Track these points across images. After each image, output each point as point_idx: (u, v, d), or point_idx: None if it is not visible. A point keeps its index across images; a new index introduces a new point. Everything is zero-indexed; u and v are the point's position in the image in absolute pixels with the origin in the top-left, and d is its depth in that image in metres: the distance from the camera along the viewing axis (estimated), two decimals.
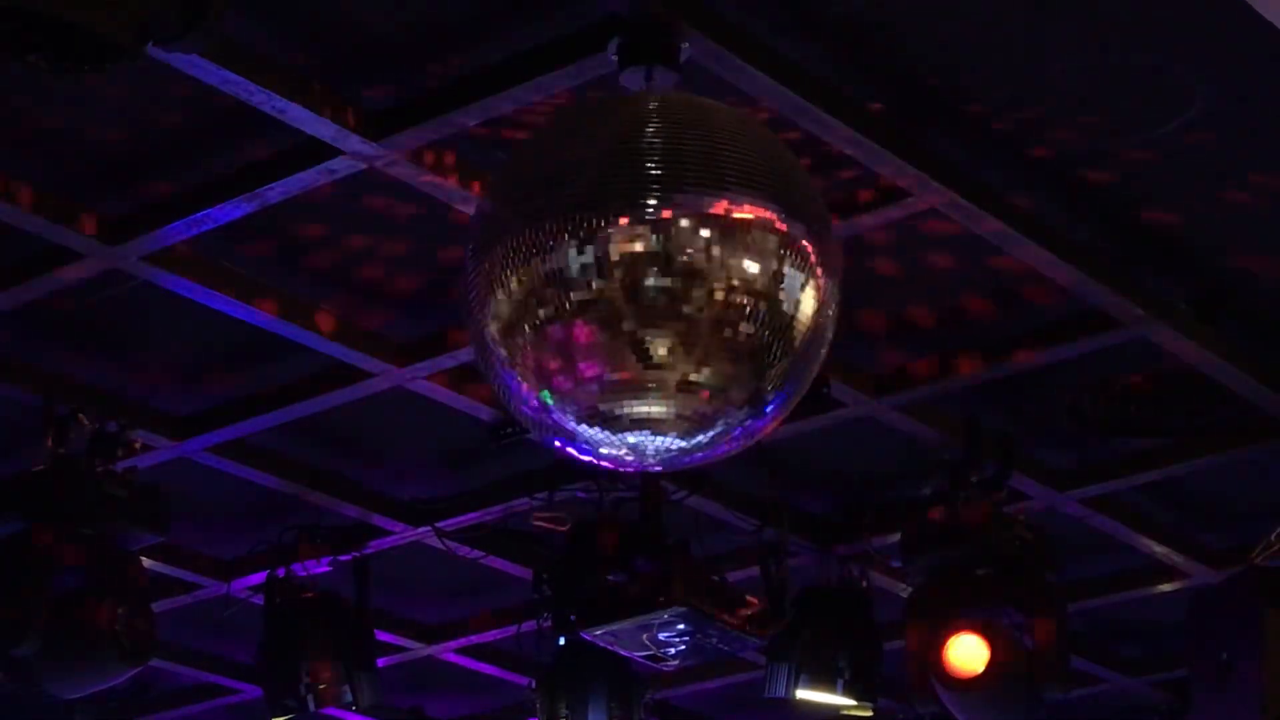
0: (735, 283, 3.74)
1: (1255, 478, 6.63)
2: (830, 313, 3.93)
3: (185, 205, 5.09)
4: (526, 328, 3.80)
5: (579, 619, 5.97)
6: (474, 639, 7.76)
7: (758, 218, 3.76)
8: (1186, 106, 4.75)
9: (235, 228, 5.16)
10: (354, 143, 4.76)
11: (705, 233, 3.73)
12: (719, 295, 3.73)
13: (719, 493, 6.57)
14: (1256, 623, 5.91)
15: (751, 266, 3.75)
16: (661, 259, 3.71)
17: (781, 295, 3.79)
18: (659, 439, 3.88)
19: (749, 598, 5.98)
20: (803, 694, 6.61)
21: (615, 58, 4.22)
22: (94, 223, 5.17)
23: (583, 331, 3.75)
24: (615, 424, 3.84)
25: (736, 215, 3.75)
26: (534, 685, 6.65)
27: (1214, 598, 6.25)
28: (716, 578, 5.97)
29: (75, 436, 5.81)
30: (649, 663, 6.05)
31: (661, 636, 5.85)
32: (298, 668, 6.64)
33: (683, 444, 3.90)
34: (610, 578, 5.85)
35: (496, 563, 7.00)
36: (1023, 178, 5.08)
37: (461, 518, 6.77)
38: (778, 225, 3.78)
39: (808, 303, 3.84)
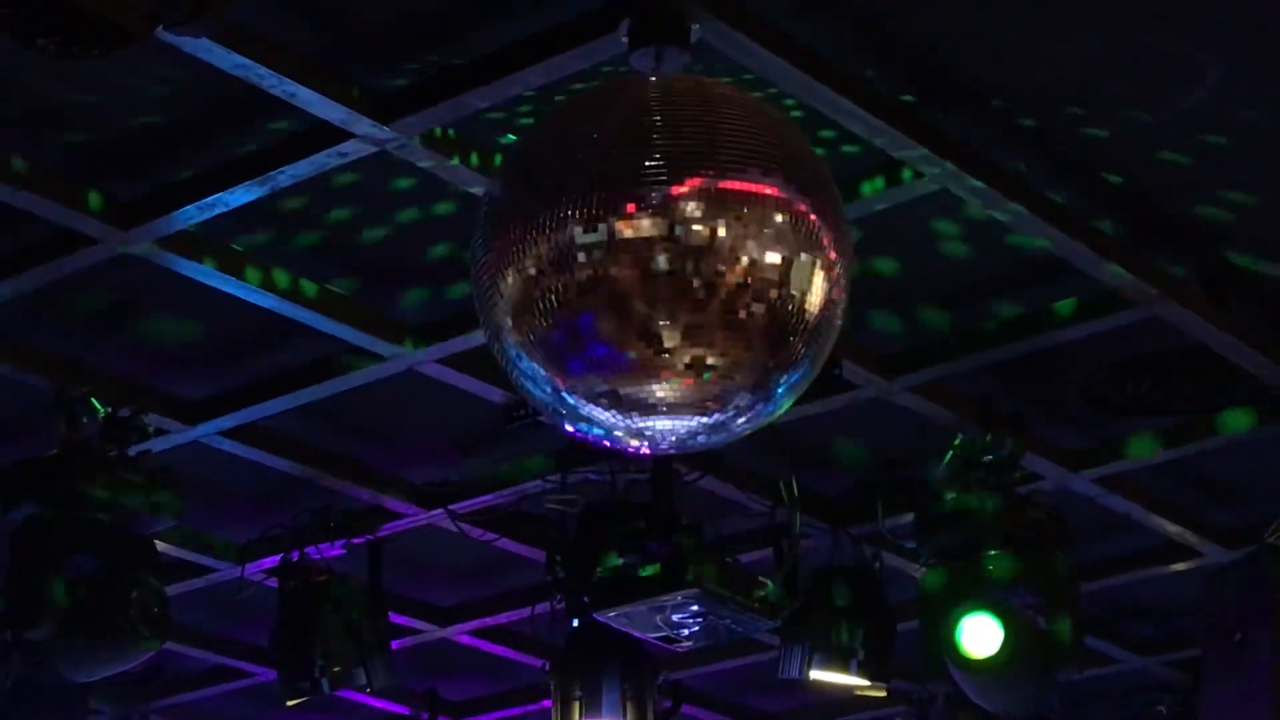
0: (745, 264, 3.73)
1: (1268, 457, 6.62)
2: (841, 293, 3.92)
3: (196, 189, 5.09)
4: (537, 310, 3.80)
5: (592, 601, 5.98)
6: (487, 621, 7.77)
7: (768, 199, 3.76)
8: (1199, 86, 4.74)
9: (247, 211, 5.16)
10: (365, 126, 4.75)
11: (714, 215, 3.72)
12: (729, 277, 3.72)
13: (731, 474, 6.58)
14: (1269, 602, 5.91)
15: (762, 248, 3.74)
16: (671, 241, 3.71)
17: (792, 276, 3.78)
18: (670, 421, 3.88)
19: (762, 579, 5.99)
20: (816, 675, 6.61)
21: (626, 39, 4.22)
22: (105, 207, 5.17)
23: (593, 314, 3.75)
24: (626, 407, 3.84)
25: (746, 196, 3.74)
26: (547, 667, 6.66)
27: (1227, 577, 6.25)
28: (729, 559, 5.97)
29: (88, 421, 5.82)
30: (662, 644, 6.06)
31: (675, 618, 5.86)
32: (312, 651, 6.65)
33: (694, 426, 3.90)
34: (623, 560, 5.86)
35: (509, 545, 7.01)
36: (1034, 157, 5.07)
37: (474, 500, 6.78)
38: (788, 206, 3.78)
39: (819, 283, 3.83)
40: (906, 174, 5.04)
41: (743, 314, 3.75)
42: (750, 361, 3.82)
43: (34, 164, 5.03)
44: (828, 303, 3.87)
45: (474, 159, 4.96)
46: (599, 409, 3.87)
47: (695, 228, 3.71)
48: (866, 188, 5.11)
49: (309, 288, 5.61)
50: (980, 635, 6.05)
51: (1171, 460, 6.58)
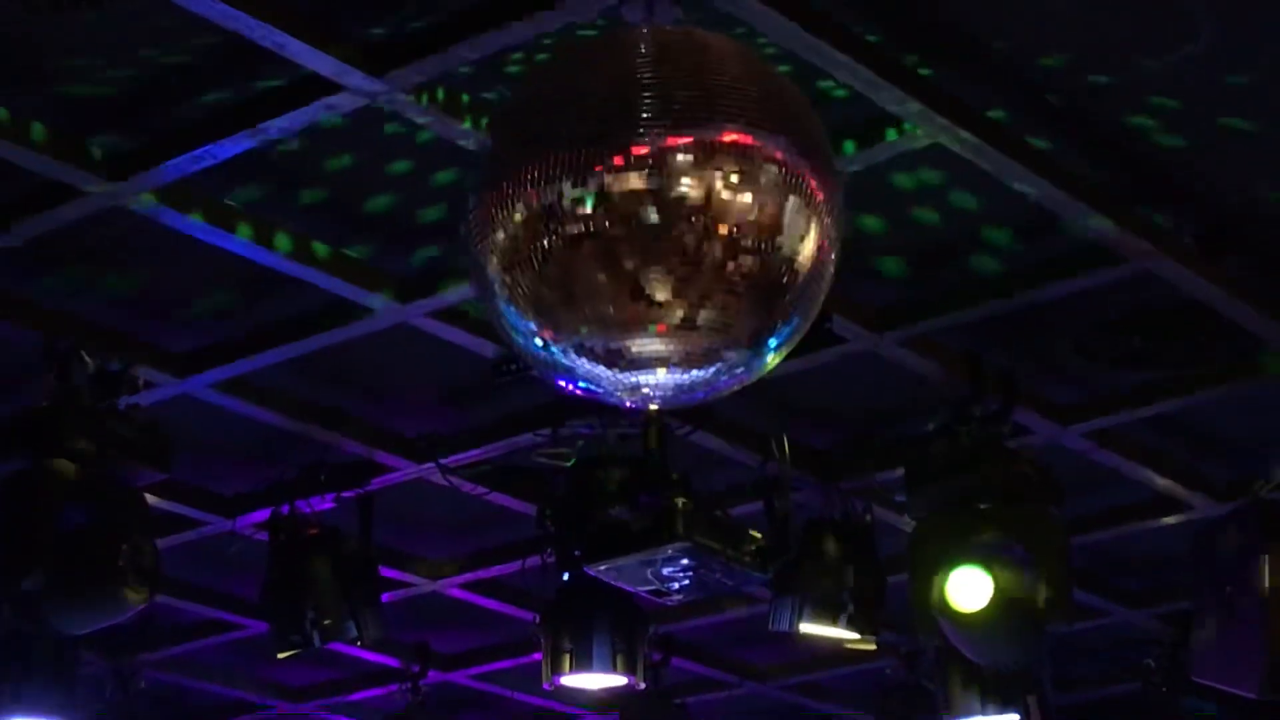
0: (736, 218, 3.71)
1: (1259, 411, 6.63)
2: (832, 247, 3.91)
3: (186, 141, 5.07)
4: (527, 265, 3.78)
5: (582, 554, 5.97)
6: (478, 574, 7.78)
7: (759, 152, 3.74)
8: (1192, 37, 4.72)
9: (237, 163, 5.15)
10: (355, 78, 4.73)
11: (705, 168, 3.70)
12: (720, 231, 3.71)
13: (722, 428, 6.58)
14: (1259, 556, 5.92)
15: (753, 201, 3.73)
16: (661, 195, 3.69)
17: (783, 230, 3.77)
18: (660, 376, 3.87)
19: (752, 532, 5.99)
20: (806, 628, 6.62)
21: None
22: (95, 159, 5.15)
23: (583, 268, 3.74)
24: (616, 361, 3.83)
25: (737, 149, 3.73)
26: (538, 620, 6.67)
27: (1217, 531, 6.25)
28: (720, 512, 5.97)
29: (78, 374, 5.81)
30: (653, 598, 6.06)
31: (665, 571, 5.85)
32: (303, 604, 6.66)
33: (684, 381, 3.89)
34: (613, 513, 5.85)
35: (500, 499, 7.01)
36: (1027, 111, 5.06)
37: (465, 454, 6.78)
38: (779, 159, 3.76)
39: (810, 238, 3.82)
40: (901, 127, 5.02)
41: (733, 268, 3.74)
42: (741, 316, 3.80)
43: (24, 116, 5.00)
44: (819, 257, 3.86)
45: (465, 112, 4.94)
46: (589, 363, 3.86)
47: (686, 181, 3.69)
48: (857, 141, 5.09)
49: (300, 241, 5.59)
50: (970, 588, 6.05)
51: (1163, 414, 6.59)
